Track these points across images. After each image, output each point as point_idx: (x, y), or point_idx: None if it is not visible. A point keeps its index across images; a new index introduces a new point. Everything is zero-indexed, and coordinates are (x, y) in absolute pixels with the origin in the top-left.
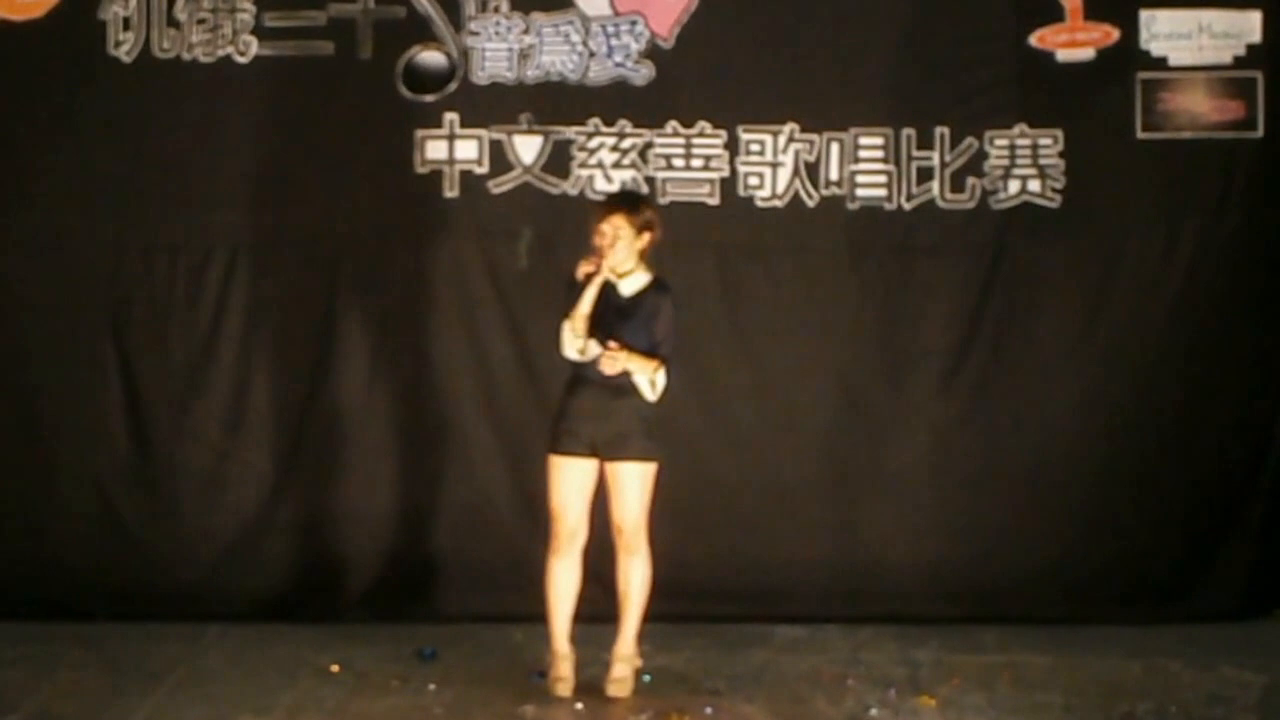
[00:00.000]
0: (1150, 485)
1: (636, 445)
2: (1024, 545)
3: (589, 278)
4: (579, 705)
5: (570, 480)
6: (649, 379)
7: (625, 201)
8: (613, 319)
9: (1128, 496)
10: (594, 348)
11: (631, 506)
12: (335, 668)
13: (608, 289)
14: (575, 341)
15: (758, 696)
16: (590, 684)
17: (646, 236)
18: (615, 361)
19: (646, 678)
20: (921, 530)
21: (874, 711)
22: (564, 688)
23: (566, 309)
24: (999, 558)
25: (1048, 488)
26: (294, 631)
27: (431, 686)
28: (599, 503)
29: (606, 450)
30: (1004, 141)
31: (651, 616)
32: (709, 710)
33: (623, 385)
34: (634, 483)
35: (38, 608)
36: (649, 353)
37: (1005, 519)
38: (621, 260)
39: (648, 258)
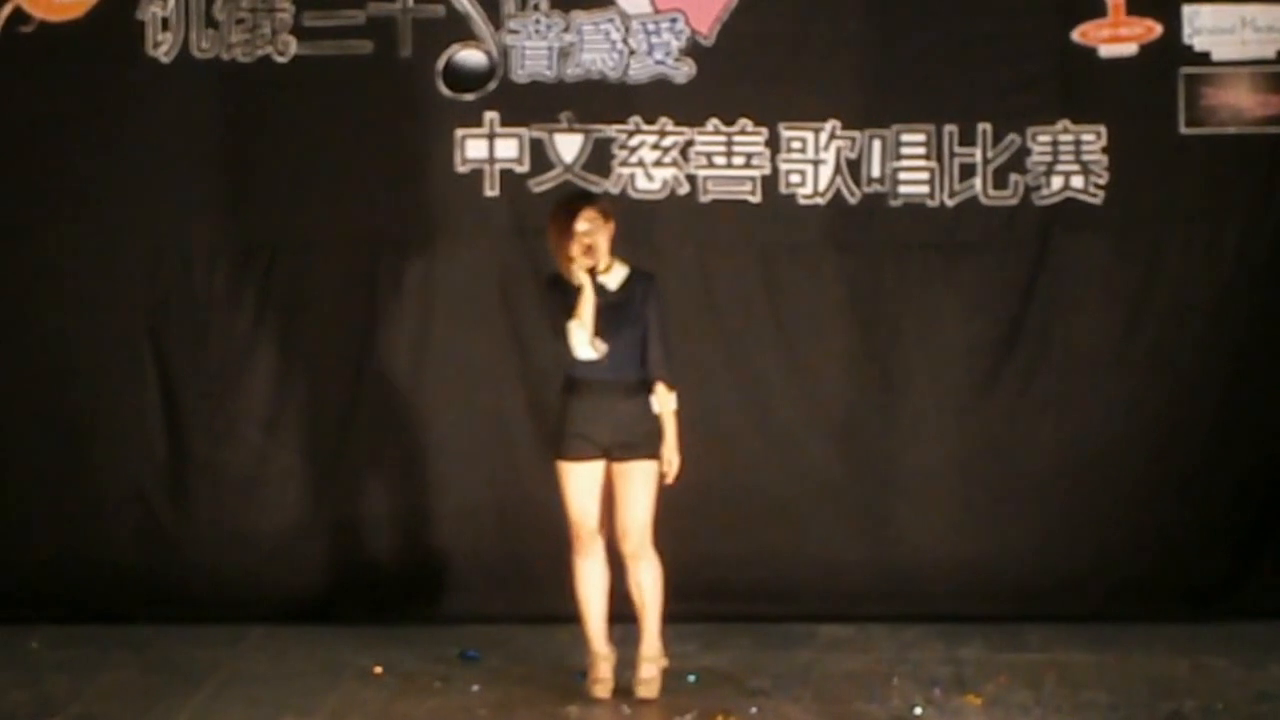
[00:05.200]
0: (1195, 482)
1: (647, 444)
2: (1069, 543)
3: (592, 272)
4: (624, 707)
5: (586, 484)
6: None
7: (588, 196)
8: (607, 314)
9: (1173, 493)
10: (601, 344)
11: (643, 507)
12: (378, 669)
13: (598, 286)
14: (590, 340)
15: (803, 696)
16: (632, 685)
17: (611, 225)
18: (671, 469)
19: (691, 678)
20: (966, 528)
21: (919, 710)
22: (603, 689)
23: (557, 310)
24: (1044, 556)
25: (1092, 485)
26: (336, 633)
27: (475, 688)
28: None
29: (620, 451)
30: (1046, 138)
31: (695, 616)
32: (754, 710)
33: (631, 384)
34: (646, 482)
35: (79, 610)
36: (654, 366)
37: (1050, 516)
38: (603, 254)
39: (615, 249)
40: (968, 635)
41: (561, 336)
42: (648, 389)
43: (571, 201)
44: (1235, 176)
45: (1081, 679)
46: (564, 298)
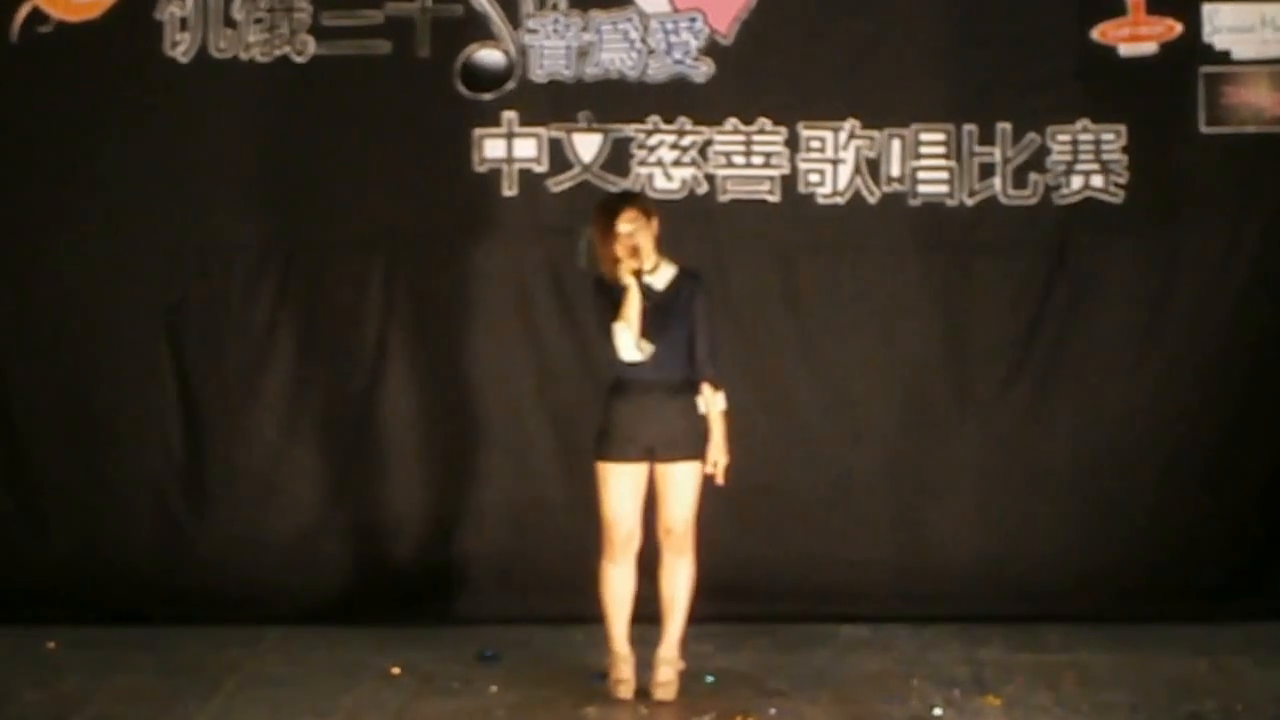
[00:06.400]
0: (1214, 482)
1: (692, 444)
2: (1088, 543)
3: (637, 273)
4: (642, 709)
5: (626, 487)
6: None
7: (629, 196)
8: (653, 316)
9: (1192, 494)
10: (647, 345)
11: (686, 507)
12: (396, 670)
13: (644, 286)
14: (636, 341)
15: (821, 697)
16: (650, 687)
17: (655, 224)
18: (719, 469)
19: (709, 679)
20: (985, 528)
21: (939, 711)
22: (625, 689)
23: (604, 312)
24: (1063, 556)
25: (1112, 485)
26: (354, 634)
27: (493, 688)
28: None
29: (665, 451)
30: (1066, 137)
31: (714, 617)
32: (773, 711)
33: (677, 384)
34: (689, 482)
35: (96, 612)
36: (699, 367)
37: (1070, 516)
38: (647, 254)
39: (660, 249)
40: (987, 636)
41: (608, 338)
42: (694, 388)
43: (612, 203)
44: (1255, 175)
45: (1101, 680)
46: (610, 299)
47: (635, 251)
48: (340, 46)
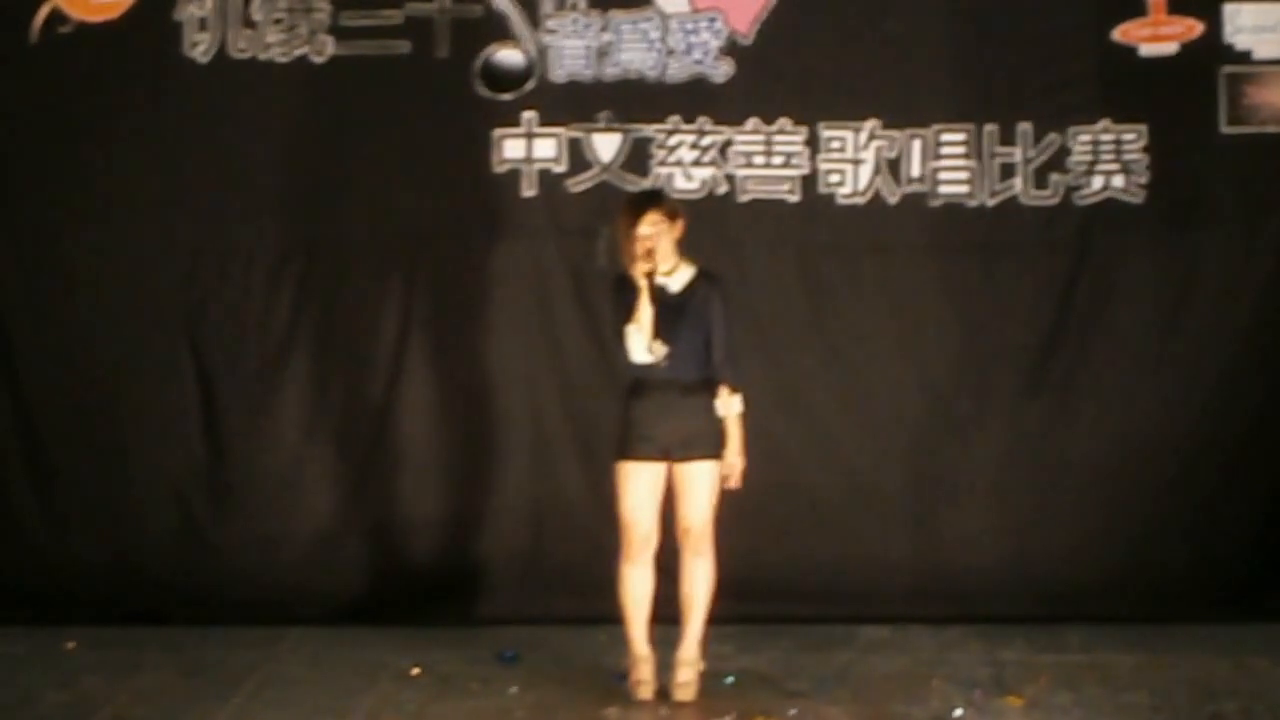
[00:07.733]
0: (1234, 483)
1: (708, 444)
2: (1109, 544)
3: (649, 276)
4: (662, 709)
5: (643, 486)
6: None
7: (655, 197)
8: (669, 318)
9: (1212, 494)
10: (660, 347)
11: (703, 506)
12: (415, 671)
13: (658, 288)
14: (647, 343)
15: (842, 698)
16: (669, 688)
17: (679, 225)
18: (734, 474)
19: (729, 679)
20: (1006, 529)
21: (959, 712)
22: (645, 690)
23: (619, 312)
24: (1084, 556)
25: (1132, 485)
26: (373, 635)
27: (513, 689)
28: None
29: (680, 450)
30: (1087, 137)
31: (734, 618)
32: (793, 712)
33: (692, 384)
34: (705, 482)
35: (116, 612)
36: (715, 367)
37: (1090, 517)
38: (666, 256)
39: (683, 249)
40: (1008, 636)
41: (621, 339)
42: (710, 390)
43: (640, 201)
44: (1277, 176)
45: (1122, 680)
46: (627, 299)
47: (650, 254)
48: (359, 47)
